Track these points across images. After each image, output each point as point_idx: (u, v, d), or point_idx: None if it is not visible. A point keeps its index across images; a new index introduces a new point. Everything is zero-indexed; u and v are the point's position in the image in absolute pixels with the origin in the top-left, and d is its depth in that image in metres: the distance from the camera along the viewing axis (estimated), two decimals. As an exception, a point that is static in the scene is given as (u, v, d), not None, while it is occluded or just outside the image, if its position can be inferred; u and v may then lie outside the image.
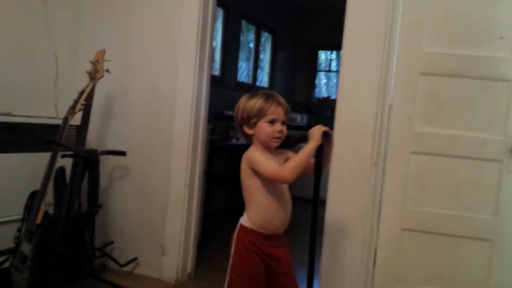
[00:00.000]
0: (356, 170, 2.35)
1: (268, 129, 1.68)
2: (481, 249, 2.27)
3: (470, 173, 2.28)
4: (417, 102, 2.32)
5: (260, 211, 1.71)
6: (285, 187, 1.75)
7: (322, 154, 1.64)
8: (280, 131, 1.68)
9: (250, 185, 1.71)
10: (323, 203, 2.34)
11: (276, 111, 1.68)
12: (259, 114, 1.67)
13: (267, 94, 1.71)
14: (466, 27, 2.28)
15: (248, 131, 1.71)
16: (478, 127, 2.27)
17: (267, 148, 1.72)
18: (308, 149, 1.62)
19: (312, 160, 1.68)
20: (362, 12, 2.36)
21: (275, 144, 1.71)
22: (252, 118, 1.69)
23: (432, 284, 2.32)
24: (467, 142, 2.28)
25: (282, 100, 1.71)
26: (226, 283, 1.73)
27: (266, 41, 6.61)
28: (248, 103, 1.71)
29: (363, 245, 2.35)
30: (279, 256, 1.74)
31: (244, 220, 1.73)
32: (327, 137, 1.64)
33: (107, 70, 2.47)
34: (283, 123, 1.70)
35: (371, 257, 2.37)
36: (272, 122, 1.67)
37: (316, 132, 1.62)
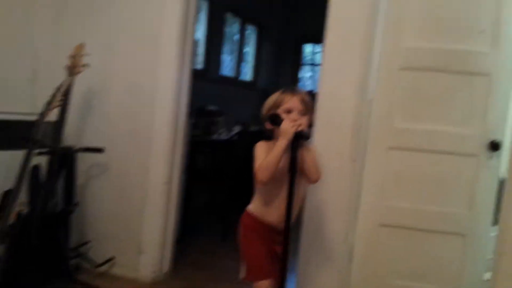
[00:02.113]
0: (335, 166, 2.34)
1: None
2: (455, 244, 2.29)
3: (448, 168, 2.29)
4: (397, 97, 2.31)
5: (258, 200, 1.82)
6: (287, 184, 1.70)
7: (296, 149, 1.63)
8: (295, 120, 1.70)
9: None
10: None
11: (291, 100, 1.73)
12: (275, 105, 1.75)
13: (285, 88, 1.80)
14: (447, 22, 2.27)
15: (269, 125, 1.75)
16: (457, 122, 2.27)
17: None
18: (278, 148, 1.63)
19: (307, 165, 1.71)
20: (344, 7, 2.34)
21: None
22: (269, 111, 1.76)
23: (408, 278, 2.33)
24: (446, 137, 2.28)
25: (298, 91, 1.78)
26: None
27: (251, 34, 6.57)
28: (269, 99, 1.80)
29: (341, 240, 2.35)
30: (279, 251, 1.73)
31: (250, 206, 1.85)
32: (300, 138, 1.63)
33: (86, 65, 2.42)
34: (303, 114, 1.73)
35: (349, 252, 2.37)
36: (288, 112, 1.72)
37: (289, 131, 1.62)
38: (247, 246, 1.81)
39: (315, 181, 1.76)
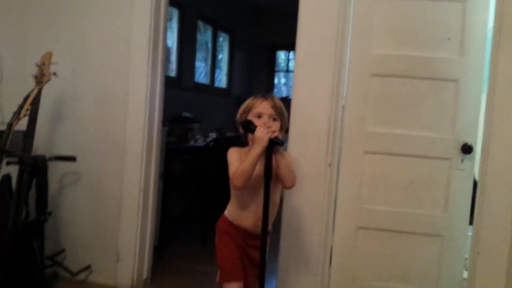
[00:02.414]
0: (311, 170, 2.36)
1: (255, 122, 1.71)
2: (432, 245, 2.34)
3: (421, 171, 2.34)
4: (369, 103, 2.36)
5: (233, 205, 1.82)
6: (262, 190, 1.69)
7: (271, 156, 1.64)
8: (269, 127, 1.69)
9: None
10: (281, 201, 2.35)
11: (262, 105, 1.74)
12: (247, 110, 1.76)
13: (256, 95, 1.81)
14: (415, 29, 2.33)
15: (242, 130, 1.76)
16: (427, 126, 2.33)
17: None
18: (253, 155, 1.63)
19: (282, 171, 1.71)
20: (314, 15, 2.37)
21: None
22: (241, 117, 1.77)
23: (387, 280, 2.37)
24: (417, 141, 2.33)
25: (270, 96, 1.79)
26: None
27: (224, 41, 6.58)
28: (241, 106, 1.80)
29: (319, 244, 2.37)
30: (254, 256, 1.75)
31: (226, 210, 1.85)
32: (275, 144, 1.64)
33: (54, 74, 2.38)
34: (274, 119, 1.74)
35: (327, 256, 2.39)
36: (259, 116, 1.73)
37: (263, 138, 1.62)
38: (220, 249, 1.82)
39: (290, 186, 1.77)
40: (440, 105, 2.33)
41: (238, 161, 1.69)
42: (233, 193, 1.81)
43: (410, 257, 2.36)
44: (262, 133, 1.63)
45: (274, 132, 1.65)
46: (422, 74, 2.32)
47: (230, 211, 1.83)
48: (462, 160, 2.31)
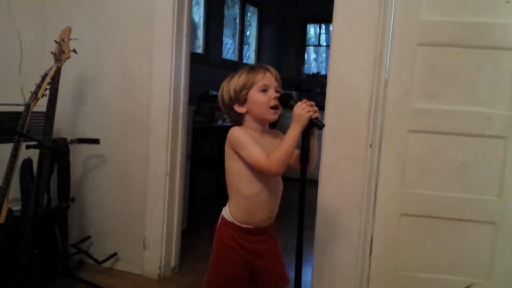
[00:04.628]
0: (350, 152, 2.18)
1: (261, 97, 1.49)
2: (485, 233, 2.14)
3: (473, 151, 2.13)
4: (415, 75, 2.15)
5: (241, 203, 1.54)
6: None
7: (308, 138, 1.45)
8: (276, 98, 1.49)
9: (233, 169, 1.53)
10: (316, 182, 2.19)
11: (265, 77, 1.50)
12: (247, 85, 1.50)
13: (250, 66, 1.55)
14: (468, -9, 2.09)
15: (241, 109, 1.51)
16: (481, 101, 2.11)
17: (262, 125, 1.54)
18: (294, 135, 1.42)
19: (296, 152, 1.50)
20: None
21: (273, 116, 1.50)
22: (241, 92, 1.50)
23: (433, 271, 2.19)
24: (470, 118, 2.12)
25: (269, 66, 1.54)
26: (205, 277, 1.61)
27: (252, 15, 6.35)
28: (231, 81, 1.53)
29: (359, 233, 2.20)
30: (264, 251, 1.59)
31: (225, 212, 1.58)
32: (315, 126, 1.43)
33: (74, 50, 2.26)
34: (277, 91, 1.51)
35: (367, 245, 2.22)
36: (264, 90, 1.49)
37: (304, 116, 1.40)
38: (217, 263, 1.58)
39: (310, 172, 1.53)
40: (496, 77, 2.10)
41: (253, 143, 1.46)
42: (239, 188, 1.53)
43: (459, 246, 2.17)
44: (303, 110, 1.40)
45: (315, 111, 1.41)
46: (476, 43, 2.08)
47: (236, 212, 1.55)
48: (520, 139, 2.08)
